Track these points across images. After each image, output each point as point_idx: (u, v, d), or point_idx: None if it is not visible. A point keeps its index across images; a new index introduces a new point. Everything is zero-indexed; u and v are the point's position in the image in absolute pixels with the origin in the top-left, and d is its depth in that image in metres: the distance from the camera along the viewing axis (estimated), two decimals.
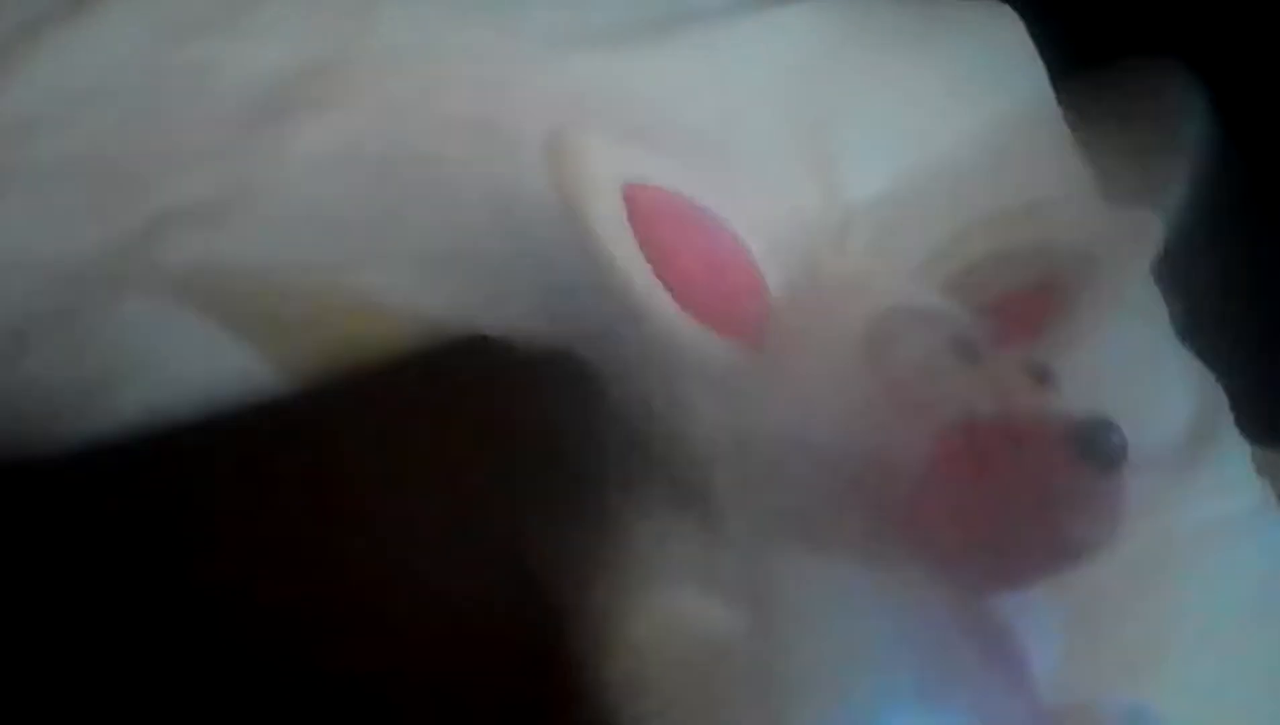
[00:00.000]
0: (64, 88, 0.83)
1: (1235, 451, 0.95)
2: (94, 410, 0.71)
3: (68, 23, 0.85)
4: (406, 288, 0.78)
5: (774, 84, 0.95)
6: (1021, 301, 0.81)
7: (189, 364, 0.74)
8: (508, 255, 0.80)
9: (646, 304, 0.73)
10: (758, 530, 0.69)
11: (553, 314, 0.78)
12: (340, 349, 0.76)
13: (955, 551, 0.68)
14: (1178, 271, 0.88)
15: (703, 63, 0.93)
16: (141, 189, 0.80)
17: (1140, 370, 0.94)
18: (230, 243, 0.78)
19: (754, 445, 0.71)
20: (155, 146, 0.82)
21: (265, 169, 0.81)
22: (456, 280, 0.78)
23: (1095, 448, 0.65)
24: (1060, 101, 1.00)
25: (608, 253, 0.72)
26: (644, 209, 0.73)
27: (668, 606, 0.65)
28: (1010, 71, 1.09)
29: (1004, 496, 0.67)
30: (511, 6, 0.93)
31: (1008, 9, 1.11)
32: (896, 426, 0.69)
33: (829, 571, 0.68)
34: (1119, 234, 0.84)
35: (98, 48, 0.85)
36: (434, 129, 0.85)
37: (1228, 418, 0.97)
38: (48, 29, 0.85)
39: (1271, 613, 0.88)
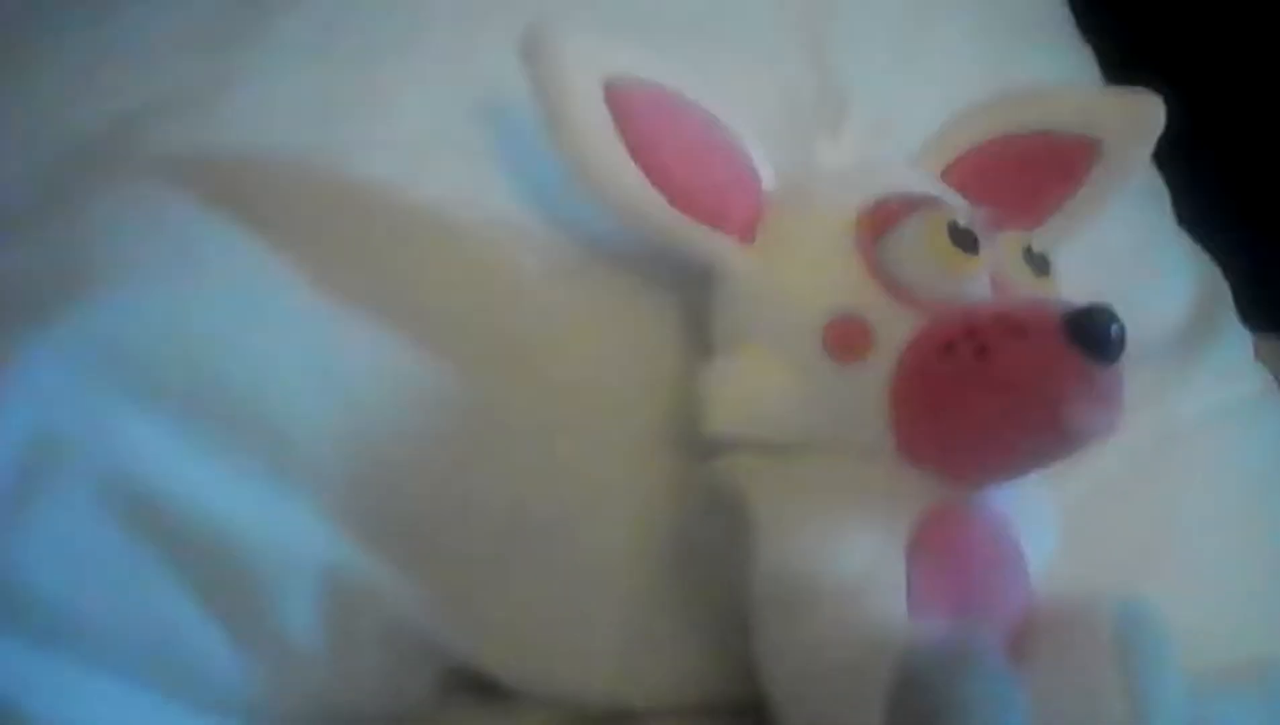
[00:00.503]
0: None
1: (1236, 339, 0.95)
2: (78, 299, 0.70)
3: None
4: (394, 174, 0.77)
5: None
6: (1021, 186, 0.80)
7: (176, 251, 0.73)
8: (494, 146, 0.78)
9: (635, 204, 0.72)
10: None
11: (543, 209, 0.77)
12: (329, 229, 0.75)
13: (950, 440, 0.68)
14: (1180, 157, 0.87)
15: None
16: (121, 78, 0.78)
17: (1140, 257, 0.94)
18: (214, 130, 0.76)
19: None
20: (131, 39, 0.80)
21: (245, 57, 0.80)
22: (444, 168, 0.77)
23: (1094, 337, 0.65)
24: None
25: (591, 155, 0.71)
26: (627, 105, 0.71)
27: None
28: None
29: (1002, 386, 0.66)
30: None
31: None
32: (892, 315, 0.68)
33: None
34: (1121, 117, 0.82)
35: None
36: (414, 19, 0.83)
37: (1229, 305, 0.96)
38: None
39: (1272, 500, 0.88)
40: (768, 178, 0.75)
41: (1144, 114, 0.82)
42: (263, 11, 0.82)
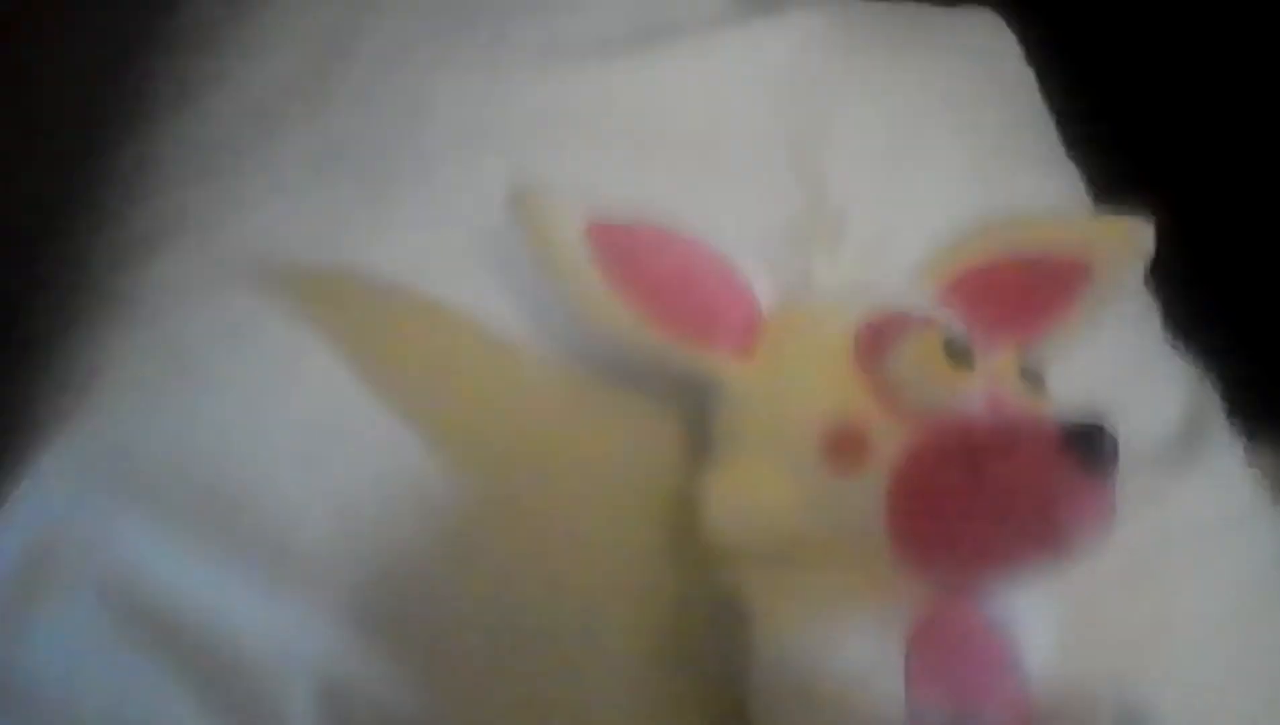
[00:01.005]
0: None
1: (1228, 449, 0.95)
2: (83, 409, 0.71)
3: None
4: (398, 291, 0.79)
5: (762, 93, 0.95)
6: (1014, 306, 0.81)
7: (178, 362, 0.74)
8: (495, 266, 0.80)
9: (625, 336, 0.74)
10: None
11: (543, 325, 0.78)
12: (331, 343, 0.77)
13: (947, 549, 0.69)
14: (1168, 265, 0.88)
15: (691, 72, 0.94)
16: (130, 198, 0.80)
17: (1131, 370, 0.95)
18: (223, 250, 0.78)
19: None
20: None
21: (255, 178, 0.81)
22: (446, 286, 0.79)
23: (1087, 449, 0.66)
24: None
25: (578, 297, 0.74)
26: (610, 244, 0.74)
27: None
28: (1000, 78, 1.10)
29: (998, 499, 0.67)
30: (499, 19, 0.93)
31: (996, 16, 1.12)
32: (888, 427, 0.70)
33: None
34: (1111, 242, 0.84)
35: None
36: (421, 140, 0.86)
37: (1220, 416, 0.97)
38: None
39: (1265, 608, 0.88)
40: (765, 294, 0.77)
41: (1133, 239, 0.83)
42: (268, 134, 0.84)
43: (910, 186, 0.97)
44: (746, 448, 0.73)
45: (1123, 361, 0.93)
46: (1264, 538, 0.91)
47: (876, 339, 0.72)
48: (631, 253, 0.75)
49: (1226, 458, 0.94)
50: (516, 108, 0.87)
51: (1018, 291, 0.82)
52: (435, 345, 0.78)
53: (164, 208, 0.80)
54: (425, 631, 0.72)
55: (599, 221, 0.75)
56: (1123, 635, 0.82)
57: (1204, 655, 0.84)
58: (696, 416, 0.76)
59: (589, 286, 0.74)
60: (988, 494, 0.67)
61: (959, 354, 0.71)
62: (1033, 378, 0.74)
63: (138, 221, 0.79)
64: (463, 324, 0.78)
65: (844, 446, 0.70)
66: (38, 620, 0.68)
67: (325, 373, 0.75)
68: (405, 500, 0.73)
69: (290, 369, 0.75)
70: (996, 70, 1.10)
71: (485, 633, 0.73)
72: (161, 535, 0.70)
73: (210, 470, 0.71)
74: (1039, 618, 0.73)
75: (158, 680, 0.69)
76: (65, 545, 0.69)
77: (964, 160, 1.01)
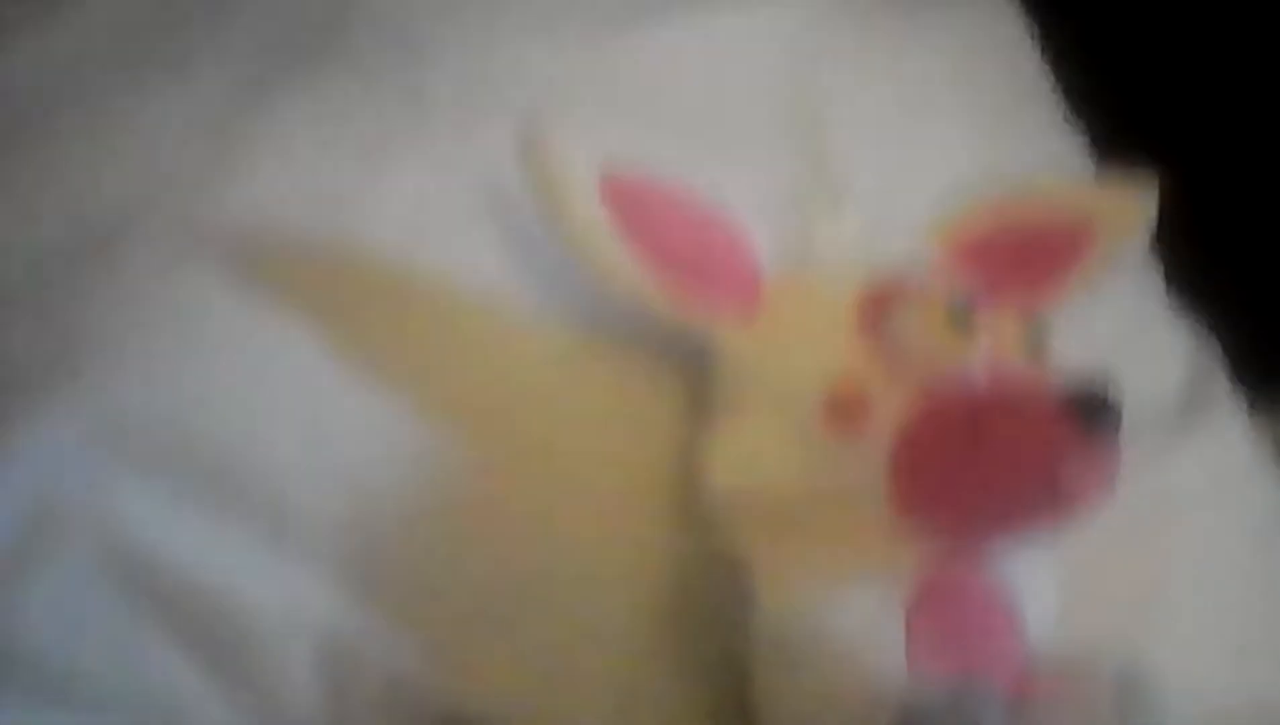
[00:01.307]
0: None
1: (1230, 411, 0.96)
2: (80, 372, 0.71)
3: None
4: (397, 254, 0.79)
5: (765, 59, 0.95)
6: (1016, 271, 0.82)
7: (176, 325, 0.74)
8: (495, 229, 0.80)
9: (633, 292, 0.74)
10: None
11: (543, 286, 0.78)
12: (330, 305, 0.76)
13: (948, 512, 0.69)
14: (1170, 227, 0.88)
15: (693, 40, 0.94)
16: (124, 160, 0.80)
17: (1133, 333, 0.95)
18: (218, 213, 0.78)
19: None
20: (135, 122, 0.82)
21: (250, 142, 0.81)
22: (446, 249, 0.79)
23: (1090, 412, 0.66)
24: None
25: (588, 247, 0.74)
26: (622, 197, 0.74)
27: None
28: (1003, 47, 1.09)
29: (999, 460, 0.67)
30: None
31: None
32: (890, 390, 0.70)
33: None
34: (1114, 207, 0.84)
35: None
36: (418, 106, 0.85)
37: (1221, 380, 0.97)
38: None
39: (1265, 570, 0.89)
40: (768, 258, 0.77)
41: (1136, 204, 0.84)
42: (264, 98, 0.84)
43: (912, 151, 0.96)
44: (748, 410, 0.73)
45: (1124, 325, 0.93)
46: (1264, 501, 0.92)
47: (879, 304, 0.73)
48: (642, 208, 0.74)
49: (1227, 422, 0.94)
50: (518, 73, 0.86)
51: (1020, 257, 0.82)
52: (435, 307, 0.78)
53: (158, 169, 0.80)
54: (426, 592, 0.73)
55: (612, 174, 0.74)
56: (1123, 598, 0.82)
57: (1204, 618, 0.84)
58: (698, 378, 0.76)
59: (598, 237, 0.73)
60: (989, 457, 0.67)
61: (961, 319, 0.71)
62: (1035, 342, 0.74)
63: (131, 182, 0.79)
64: (463, 285, 0.78)
65: (846, 410, 0.70)
66: (37, 585, 0.69)
67: (325, 336, 0.75)
68: (406, 461, 0.73)
69: (290, 332, 0.75)
70: (997, 35, 1.10)
71: (482, 591, 0.73)
72: (161, 498, 0.70)
73: (210, 433, 0.72)
74: (1040, 581, 0.74)
75: (158, 644, 0.70)
76: (65, 509, 0.69)
77: (966, 125, 1.01)
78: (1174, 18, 1.31)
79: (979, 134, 1.01)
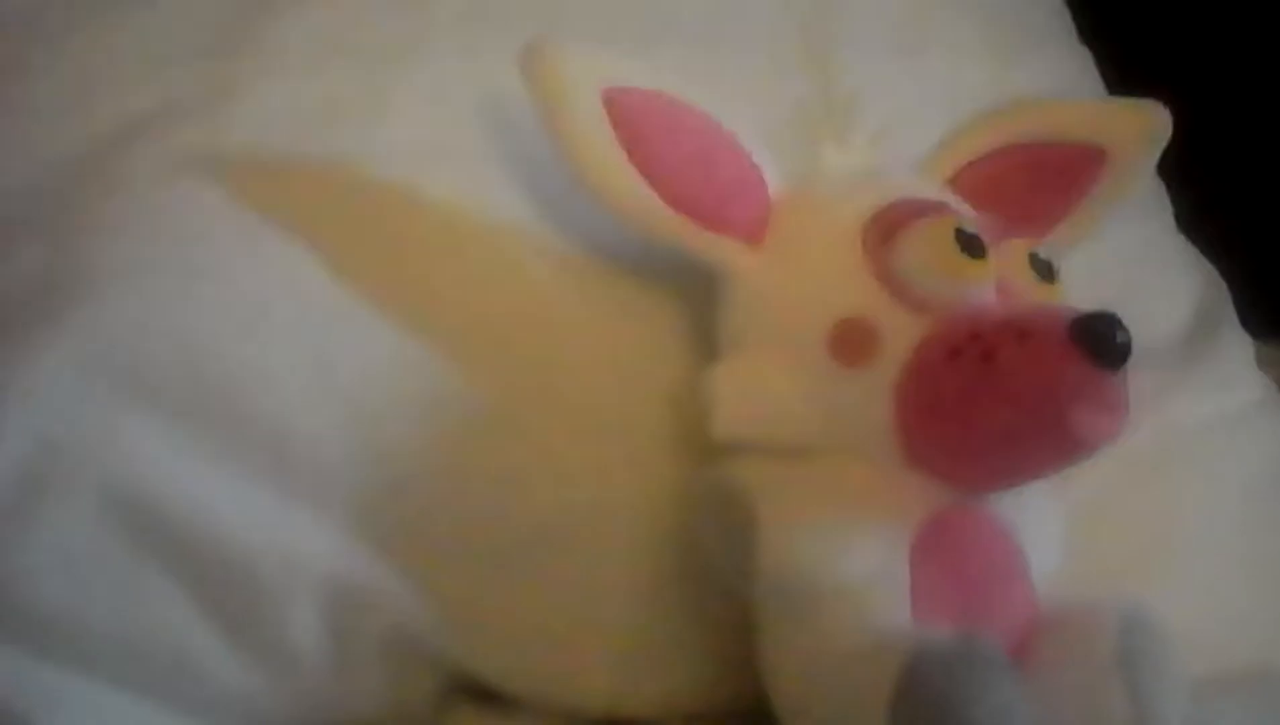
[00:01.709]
0: None
1: (1237, 346, 0.95)
2: (81, 306, 0.70)
3: None
4: (398, 181, 0.77)
5: None
6: (1027, 194, 0.80)
7: (179, 259, 0.73)
8: (498, 152, 0.79)
9: (637, 210, 0.72)
10: None
11: (547, 214, 0.77)
12: (332, 236, 0.75)
13: (955, 445, 0.68)
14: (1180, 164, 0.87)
15: None
16: (122, 85, 0.78)
17: (1143, 264, 0.94)
18: (218, 137, 0.77)
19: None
20: (133, 46, 0.80)
21: (249, 64, 0.80)
22: (448, 175, 0.77)
23: (1100, 343, 0.65)
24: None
25: (592, 163, 0.72)
26: (627, 112, 0.72)
27: None
28: None
29: (1008, 391, 0.66)
30: None
31: None
32: (898, 319, 0.69)
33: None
34: (1127, 127, 0.83)
35: None
36: (422, 24, 0.83)
37: (1230, 312, 0.96)
38: None
39: (1272, 507, 0.88)
40: (774, 182, 0.75)
41: (1150, 123, 0.82)
42: (265, 16, 0.82)
43: (921, 71, 0.95)
44: (754, 341, 0.72)
45: (1133, 254, 0.93)
46: (1271, 434, 0.91)
47: (886, 228, 0.71)
48: (647, 123, 0.72)
49: (1236, 354, 0.94)
50: None
51: (1031, 177, 0.81)
52: (439, 230, 0.76)
53: (156, 90, 0.78)
54: (429, 535, 0.72)
55: (616, 85, 0.72)
56: (1127, 539, 0.82)
57: (1210, 558, 0.84)
58: (703, 306, 0.75)
59: (602, 152, 0.71)
60: (997, 387, 0.66)
61: (970, 243, 0.70)
62: (1044, 267, 0.73)
63: (129, 103, 0.77)
64: (467, 207, 0.76)
65: (852, 339, 0.69)
66: (40, 524, 0.67)
67: (328, 270, 0.73)
68: (411, 397, 0.72)
69: (292, 265, 0.73)
70: None
71: (488, 536, 0.72)
72: (164, 435, 0.69)
73: (213, 370, 0.70)
74: (1046, 522, 0.73)
75: (161, 583, 0.68)
76: (67, 447, 0.68)
77: (976, 44, 1.00)
78: None
79: (989, 49, 1.00)
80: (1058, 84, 1.01)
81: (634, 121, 0.72)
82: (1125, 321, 0.66)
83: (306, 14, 0.83)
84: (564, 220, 0.77)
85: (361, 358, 0.72)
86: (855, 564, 0.66)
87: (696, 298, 0.75)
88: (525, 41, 0.72)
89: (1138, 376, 0.67)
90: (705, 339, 0.75)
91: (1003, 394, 0.66)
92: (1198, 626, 0.71)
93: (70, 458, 0.67)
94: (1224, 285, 0.98)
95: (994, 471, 0.69)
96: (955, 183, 0.80)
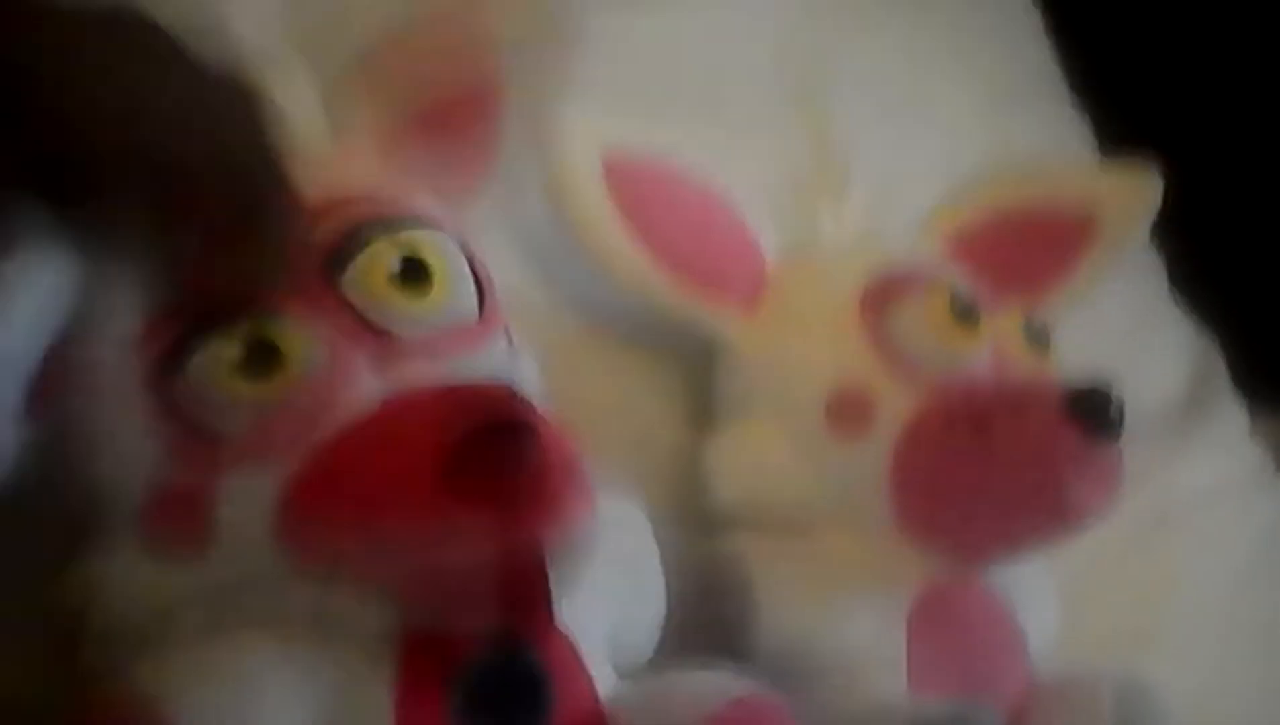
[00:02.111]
0: None
1: (1231, 416, 0.95)
2: None
3: None
4: None
5: (767, 41, 0.94)
6: (1020, 261, 0.81)
7: None
8: (496, 217, 0.79)
9: (634, 277, 0.72)
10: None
11: (544, 281, 0.77)
12: None
13: (951, 517, 0.68)
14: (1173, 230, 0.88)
15: (697, 20, 0.92)
16: None
17: (1136, 333, 0.94)
18: None
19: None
20: None
21: None
22: None
23: (1095, 416, 0.65)
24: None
25: (590, 230, 0.72)
26: (626, 179, 0.72)
27: None
28: (1009, 31, 1.08)
29: (1002, 463, 0.66)
30: None
31: None
32: (893, 389, 0.69)
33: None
34: (1119, 195, 0.83)
35: None
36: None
37: (1224, 382, 0.97)
38: None
39: (1267, 577, 0.88)
40: (771, 249, 0.75)
41: (1141, 192, 0.83)
42: None
43: (916, 136, 0.95)
44: (750, 410, 0.72)
45: (1127, 322, 0.93)
46: (1266, 506, 0.91)
47: (881, 297, 0.71)
48: (646, 190, 0.73)
49: (1230, 424, 0.94)
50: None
51: (1023, 245, 0.81)
52: None
53: None
54: None
55: (616, 151, 0.72)
56: (1125, 604, 0.82)
57: (1206, 628, 0.84)
58: (699, 379, 0.75)
59: (600, 219, 0.72)
60: (992, 460, 0.66)
61: (965, 313, 0.70)
62: (1038, 337, 0.73)
63: None
64: None
65: (848, 410, 0.69)
66: None
67: None
68: None
69: None
70: (1002, 19, 1.09)
71: None
72: None
73: None
74: (1041, 593, 0.73)
75: None
76: None
77: (970, 109, 1.00)
78: (1177, 14, 1.30)
79: (982, 115, 1.00)
80: (1049, 146, 1.01)
81: (633, 189, 0.72)
82: (1119, 391, 0.66)
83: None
84: (561, 287, 0.77)
85: None
86: (851, 636, 0.66)
87: (693, 367, 0.75)
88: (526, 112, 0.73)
89: (1132, 447, 0.67)
90: (703, 409, 0.75)
91: (997, 465, 0.66)
92: (1193, 696, 0.72)
93: None
94: (1217, 354, 0.98)
95: (989, 543, 0.69)
96: (949, 249, 0.80)
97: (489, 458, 0.48)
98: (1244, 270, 1.19)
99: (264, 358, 0.52)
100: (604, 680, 0.56)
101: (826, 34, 0.96)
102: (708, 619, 0.70)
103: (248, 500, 0.51)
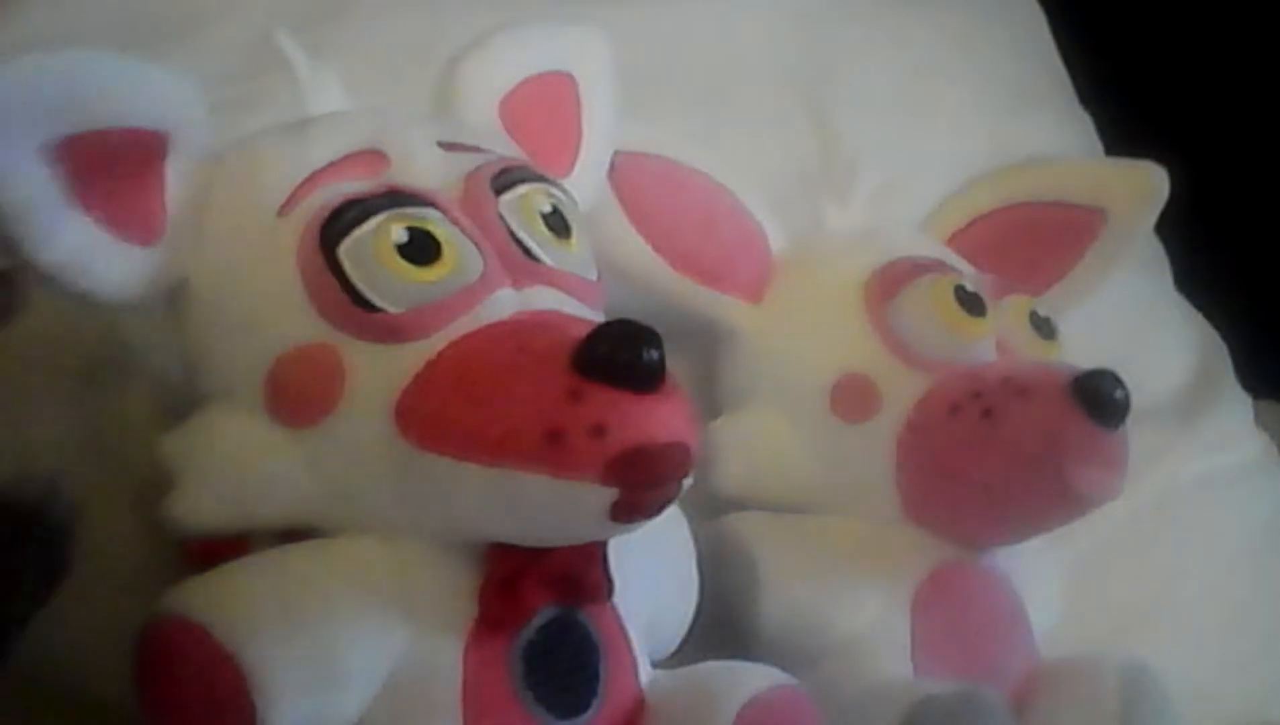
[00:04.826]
0: None
1: (1236, 404, 0.95)
2: None
3: None
4: None
5: (775, 38, 0.94)
6: (1027, 253, 0.81)
7: None
8: None
9: (641, 270, 0.73)
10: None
11: None
12: None
13: (956, 501, 0.68)
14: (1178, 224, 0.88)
15: (703, 16, 0.93)
16: None
17: (1142, 323, 0.95)
18: None
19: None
20: None
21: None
22: None
23: (1100, 401, 0.66)
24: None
25: (595, 224, 0.72)
26: (630, 175, 0.73)
27: None
28: (1014, 28, 1.09)
29: (1008, 448, 0.67)
30: None
31: None
32: (898, 376, 0.69)
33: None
34: (1126, 188, 0.84)
35: None
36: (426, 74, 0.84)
37: (1229, 371, 0.97)
38: None
39: (1270, 562, 0.89)
40: (776, 241, 0.76)
41: (1148, 185, 0.83)
42: None
43: (922, 131, 0.96)
44: (756, 396, 0.73)
45: (1133, 312, 0.93)
46: (1269, 492, 0.92)
47: (887, 286, 0.72)
48: (651, 185, 0.73)
49: (1234, 412, 0.94)
50: None
51: (1030, 237, 0.82)
52: None
53: None
54: None
55: (622, 150, 0.73)
56: (1127, 594, 0.82)
57: (1209, 613, 0.84)
58: (704, 366, 0.75)
59: (608, 218, 0.72)
60: (997, 444, 0.67)
61: (970, 301, 0.71)
62: (1043, 325, 0.73)
63: None
64: None
65: (853, 395, 0.70)
66: None
67: None
68: None
69: None
70: (1009, 16, 1.09)
71: None
72: None
73: None
74: (1045, 577, 0.73)
75: None
76: None
77: (976, 105, 1.01)
78: (1183, 15, 1.31)
79: (989, 111, 1.01)
80: (1056, 144, 1.02)
81: (638, 184, 0.73)
82: (1124, 380, 0.67)
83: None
84: None
85: None
86: (856, 618, 0.67)
87: (698, 355, 0.76)
88: None
89: (1134, 433, 0.67)
90: (708, 394, 0.75)
91: (1002, 451, 0.67)
92: (1196, 680, 0.72)
93: None
94: (1223, 344, 0.99)
95: (993, 527, 0.70)
96: (956, 242, 0.80)
97: (620, 350, 0.51)
98: (1247, 261, 1.20)
99: (426, 248, 0.54)
100: (644, 666, 0.58)
101: (833, 30, 0.96)
102: (713, 598, 0.71)
103: (381, 373, 0.53)
